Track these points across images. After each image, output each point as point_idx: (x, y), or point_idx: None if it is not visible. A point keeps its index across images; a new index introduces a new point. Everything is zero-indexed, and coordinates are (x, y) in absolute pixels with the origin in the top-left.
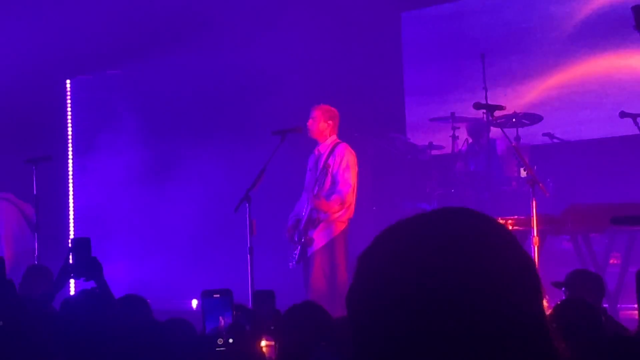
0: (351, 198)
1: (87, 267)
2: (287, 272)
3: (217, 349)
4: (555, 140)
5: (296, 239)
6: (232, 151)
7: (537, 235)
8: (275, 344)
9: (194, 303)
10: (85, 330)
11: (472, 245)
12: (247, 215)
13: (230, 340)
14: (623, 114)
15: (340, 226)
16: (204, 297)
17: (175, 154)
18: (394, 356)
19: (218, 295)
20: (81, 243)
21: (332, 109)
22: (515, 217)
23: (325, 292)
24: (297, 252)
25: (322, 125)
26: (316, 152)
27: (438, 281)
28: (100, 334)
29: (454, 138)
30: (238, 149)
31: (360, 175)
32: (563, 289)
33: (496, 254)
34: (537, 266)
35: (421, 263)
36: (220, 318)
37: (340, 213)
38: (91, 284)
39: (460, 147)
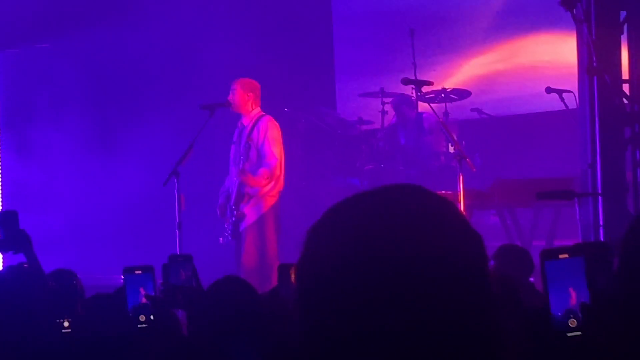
0: (278, 171)
1: (15, 240)
2: (217, 248)
3: (139, 326)
4: (483, 116)
5: (228, 215)
6: (162, 126)
7: (464, 210)
8: (189, 318)
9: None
10: (14, 306)
11: (422, 220)
12: (176, 190)
13: (152, 317)
14: (549, 90)
15: (271, 200)
16: (126, 274)
17: (106, 129)
18: (342, 328)
19: (140, 272)
20: (8, 216)
21: (252, 81)
22: (443, 191)
23: (257, 266)
24: (229, 227)
25: (243, 97)
26: (240, 125)
27: (387, 257)
28: (30, 310)
29: (383, 113)
30: (168, 124)
31: (290, 150)
32: (490, 263)
33: (446, 228)
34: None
35: (371, 236)
36: (142, 294)
37: (269, 187)
38: (19, 259)
39: (389, 122)
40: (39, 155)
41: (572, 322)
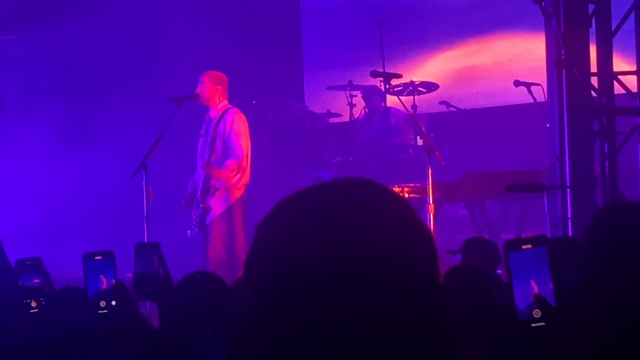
0: (245, 163)
1: None
2: (185, 240)
3: (100, 312)
4: (451, 109)
5: (194, 207)
6: (132, 118)
7: (432, 203)
8: (160, 312)
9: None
10: None
11: (369, 215)
12: (144, 183)
13: (113, 303)
14: (517, 83)
15: (237, 193)
16: (85, 260)
17: (76, 120)
18: (288, 324)
19: (100, 257)
20: None
21: (220, 73)
22: (412, 184)
23: (224, 260)
24: (196, 220)
25: (211, 90)
26: (207, 118)
27: (335, 251)
28: None
29: (352, 106)
30: (139, 116)
31: (258, 143)
32: (458, 256)
33: (394, 224)
34: (433, 235)
35: (318, 232)
36: (103, 279)
37: (236, 179)
38: None
39: (358, 115)
40: (9, 147)
41: (537, 313)
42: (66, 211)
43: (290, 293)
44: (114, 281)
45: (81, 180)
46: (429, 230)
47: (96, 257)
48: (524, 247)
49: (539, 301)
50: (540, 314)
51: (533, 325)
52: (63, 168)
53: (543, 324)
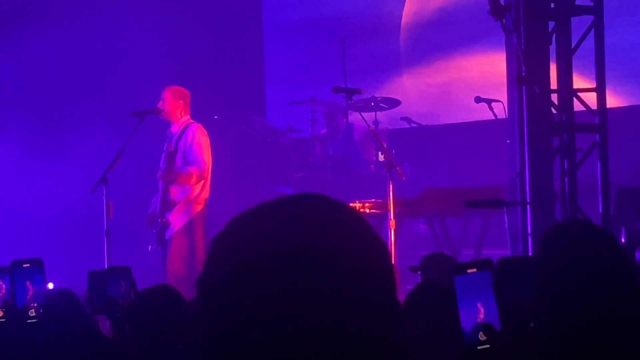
0: (206, 174)
1: None
2: (145, 256)
3: (29, 321)
4: (412, 125)
5: (154, 223)
6: (94, 131)
7: (393, 219)
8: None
9: (50, 285)
10: None
11: (324, 229)
12: (104, 197)
13: (41, 310)
14: (478, 99)
15: (197, 207)
16: (14, 268)
17: (39, 132)
18: (240, 342)
19: (28, 265)
20: None
21: (182, 89)
22: (373, 200)
23: (184, 275)
24: (155, 234)
25: (173, 105)
26: (169, 134)
27: (289, 267)
28: None
29: (314, 121)
30: (101, 129)
31: (219, 158)
32: (419, 272)
33: (349, 238)
34: (392, 251)
35: (273, 249)
36: (29, 286)
37: (196, 194)
38: None
39: (319, 131)
40: None
41: (482, 336)
42: (28, 223)
43: (243, 307)
44: (41, 287)
45: (45, 192)
46: (384, 244)
47: (24, 265)
48: (469, 271)
49: (484, 326)
50: (485, 337)
51: (479, 347)
52: (28, 180)
53: (488, 346)
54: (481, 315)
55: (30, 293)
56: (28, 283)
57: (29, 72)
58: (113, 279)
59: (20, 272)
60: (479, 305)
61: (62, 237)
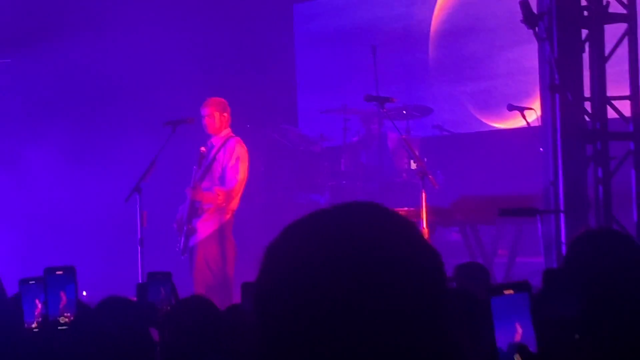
0: (237, 191)
1: None
2: (178, 264)
3: (60, 327)
4: (445, 133)
5: (181, 230)
6: (124, 142)
7: (426, 227)
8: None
9: (83, 293)
10: None
11: (379, 238)
12: (138, 207)
13: (72, 318)
14: (511, 107)
15: (225, 217)
16: (47, 275)
17: (67, 145)
18: (301, 349)
19: (61, 272)
20: None
21: (223, 100)
22: (405, 208)
23: (210, 283)
24: (181, 241)
25: (220, 119)
26: (209, 145)
27: (344, 275)
28: None
29: (346, 130)
30: (131, 140)
31: (252, 166)
32: (452, 283)
33: (403, 247)
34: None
35: (328, 255)
36: (62, 295)
37: (224, 204)
38: None
39: (351, 139)
40: (13, 165)
41: (517, 358)
42: (63, 230)
43: (300, 316)
44: (74, 296)
45: (82, 199)
46: (436, 251)
47: (57, 272)
48: (505, 292)
49: (519, 347)
50: (520, 358)
51: None
52: (67, 187)
53: None
54: (518, 336)
55: (63, 302)
56: (62, 293)
57: (68, 80)
58: (153, 285)
59: (54, 279)
60: (517, 325)
61: (97, 245)
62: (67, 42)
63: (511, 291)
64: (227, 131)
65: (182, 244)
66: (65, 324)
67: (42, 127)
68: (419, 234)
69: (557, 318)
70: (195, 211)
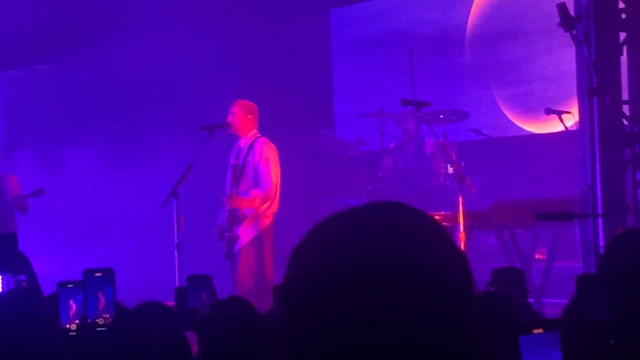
0: (274, 193)
1: (14, 262)
2: (215, 269)
3: (98, 329)
4: (482, 137)
5: (222, 236)
6: (161, 146)
7: (463, 231)
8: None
9: None
10: (15, 330)
11: (404, 238)
12: (175, 211)
13: (110, 320)
14: (549, 111)
15: (266, 221)
16: (86, 276)
17: (106, 149)
18: (329, 348)
19: (100, 274)
20: (7, 238)
21: (251, 103)
22: (442, 212)
23: (253, 288)
24: (223, 248)
25: (243, 119)
26: (236, 147)
27: (370, 275)
28: (29, 334)
29: (382, 134)
30: (168, 144)
31: (288, 171)
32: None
33: (428, 247)
34: (468, 258)
35: (354, 255)
36: (101, 296)
37: (264, 208)
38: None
39: (388, 144)
40: (39, 175)
41: None
42: (102, 233)
43: (326, 317)
44: (112, 297)
45: (120, 203)
46: (463, 253)
47: (96, 274)
48: (535, 331)
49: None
50: None
51: None
52: (104, 191)
53: None
54: None
55: (102, 304)
56: (100, 295)
57: (106, 86)
58: (193, 289)
59: (92, 281)
60: None
61: (135, 248)
62: (104, 47)
63: (541, 330)
64: (253, 132)
65: (225, 251)
66: (103, 325)
67: (82, 132)
68: (446, 234)
69: (592, 323)
70: (235, 218)
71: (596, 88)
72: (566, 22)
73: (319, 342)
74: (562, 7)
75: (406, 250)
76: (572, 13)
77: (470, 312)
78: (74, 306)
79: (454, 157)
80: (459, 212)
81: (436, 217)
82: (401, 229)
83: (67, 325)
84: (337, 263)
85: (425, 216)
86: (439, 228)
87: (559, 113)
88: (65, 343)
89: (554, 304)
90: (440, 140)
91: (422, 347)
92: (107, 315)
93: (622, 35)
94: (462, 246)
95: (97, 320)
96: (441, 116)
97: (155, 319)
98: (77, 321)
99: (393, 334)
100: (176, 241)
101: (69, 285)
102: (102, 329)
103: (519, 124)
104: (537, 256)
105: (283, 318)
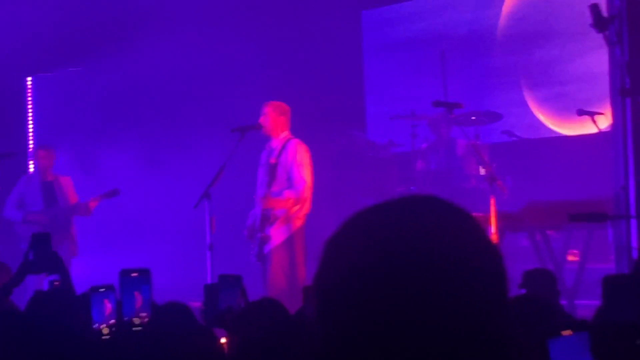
0: (307, 194)
1: (47, 262)
2: (247, 269)
3: (134, 328)
4: (514, 138)
5: (253, 237)
6: (194, 147)
7: (495, 232)
8: (228, 339)
9: None
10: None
11: (439, 231)
12: (207, 212)
13: (146, 319)
14: (581, 112)
15: (298, 223)
16: (122, 276)
17: (139, 150)
18: (363, 341)
19: (136, 274)
20: (41, 238)
21: (283, 104)
22: (474, 214)
23: (284, 289)
24: (255, 249)
25: (275, 120)
26: (268, 148)
27: (404, 268)
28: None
29: (414, 136)
30: (199, 146)
31: (320, 172)
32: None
33: (463, 240)
34: (501, 252)
35: (388, 248)
36: (137, 296)
37: (296, 209)
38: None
39: (420, 145)
40: (91, 171)
41: None
42: (136, 234)
43: (360, 308)
44: (148, 297)
45: (154, 204)
46: (497, 247)
47: (132, 274)
48: (563, 333)
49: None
50: None
51: None
52: (139, 193)
53: None
54: None
55: (139, 303)
56: (136, 293)
57: (139, 87)
58: (224, 289)
59: (129, 281)
60: None
61: (168, 249)
62: (136, 48)
63: (569, 332)
64: (285, 133)
65: (256, 252)
66: (140, 324)
67: (115, 133)
68: (479, 228)
69: (620, 324)
70: (267, 219)
71: (629, 89)
72: (599, 23)
73: (349, 333)
74: (594, 8)
75: (441, 244)
76: (604, 14)
77: (504, 310)
78: (109, 306)
79: (485, 159)
80: (491, 213)
81: None
82: (435, 221)
83: (101, 326)
84: (370, 255)
85: (461, 210)
86: (474, 223)
87: (592, 114)
88: (99, 343)
89: (587, 306)
90: (472, 142)
91: (454, 338)
92: (144, 315)
93: None
94: None
95: (133, 319)
96: (473, 118)
97: (176, 319)
98: (112, 321)
99: (424, 329)
100: (209, 242)
101: (100, 290)
102: (139, 328)
103: (551, 125)
104: (569, 258)
105: (316, 310)
